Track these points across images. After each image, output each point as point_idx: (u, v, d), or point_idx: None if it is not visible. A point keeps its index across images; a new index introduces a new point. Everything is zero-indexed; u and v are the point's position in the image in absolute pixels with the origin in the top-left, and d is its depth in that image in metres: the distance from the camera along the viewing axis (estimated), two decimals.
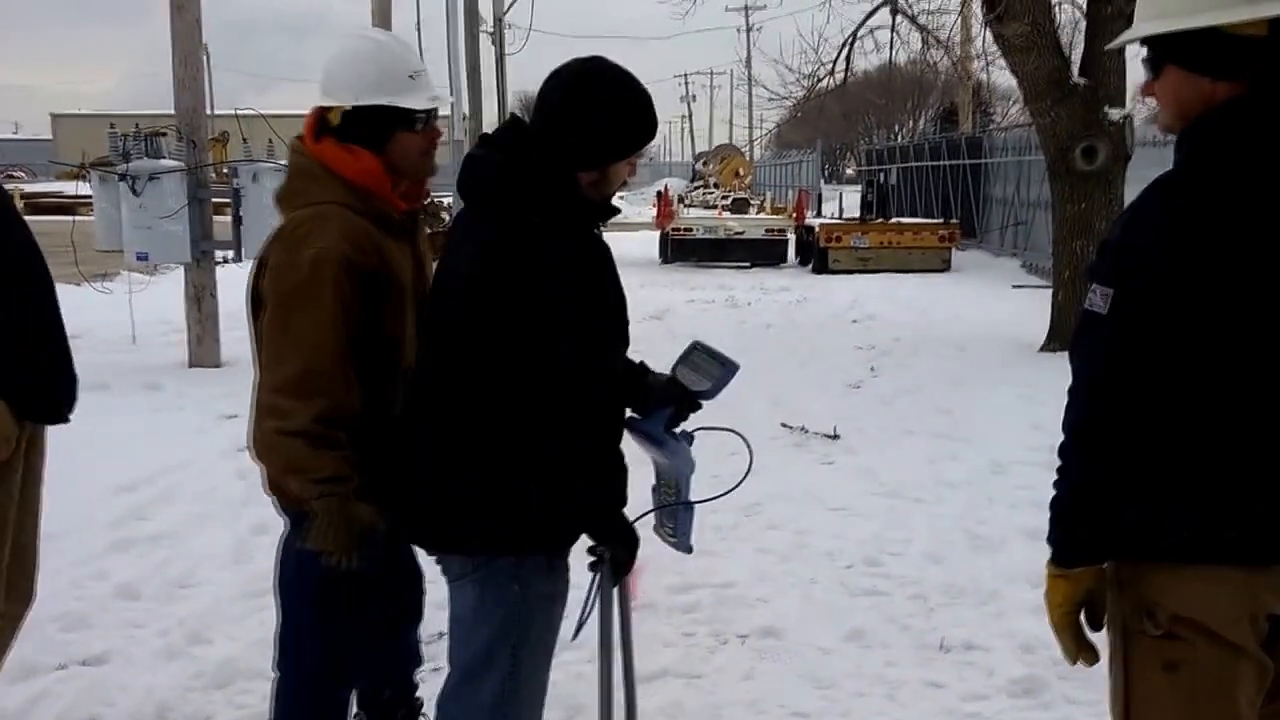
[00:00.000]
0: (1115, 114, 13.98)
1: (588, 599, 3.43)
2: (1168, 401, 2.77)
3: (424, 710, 4.56)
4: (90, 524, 7.17)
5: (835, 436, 9.97)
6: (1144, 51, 2.91)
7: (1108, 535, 2.90)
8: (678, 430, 3.66)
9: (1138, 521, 2.87)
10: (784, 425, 10.32)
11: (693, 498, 3.66)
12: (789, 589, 6.42)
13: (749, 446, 3.71)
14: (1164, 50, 2.85)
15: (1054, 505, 2.95)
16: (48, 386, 4.12)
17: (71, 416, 4.20)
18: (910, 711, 5.02)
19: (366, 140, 3.83)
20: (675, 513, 3.67)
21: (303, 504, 3.74)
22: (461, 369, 3.23)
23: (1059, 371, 10.95)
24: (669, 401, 3.63)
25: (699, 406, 3.68)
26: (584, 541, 3.38)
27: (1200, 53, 2.78)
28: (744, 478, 3.77)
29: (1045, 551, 6.77)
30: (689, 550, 3.79)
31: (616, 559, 3.39)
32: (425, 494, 3.35)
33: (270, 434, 3.66)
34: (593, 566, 3.41)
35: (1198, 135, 2.81)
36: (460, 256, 3.29)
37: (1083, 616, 3.01)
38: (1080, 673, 5.13)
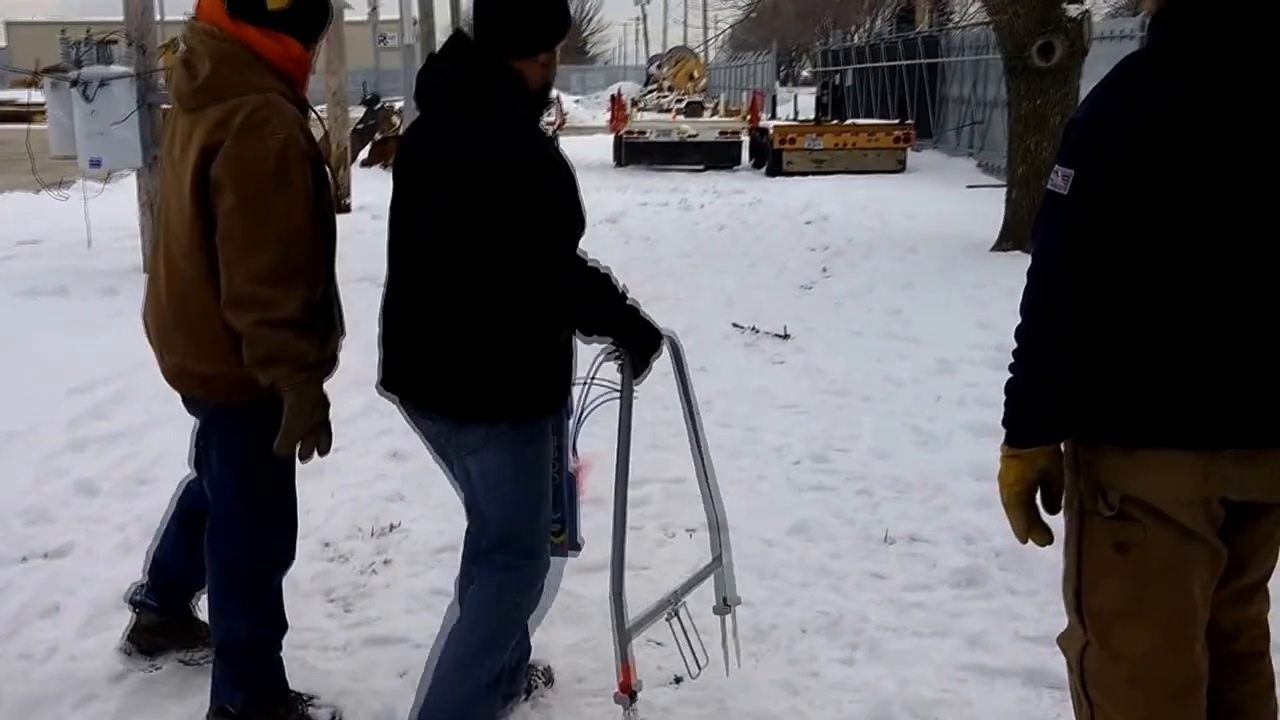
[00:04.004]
0: (1073, 9, 13.96)
1: (584, 394, 3.98)
2: (1124, 283, 2.80)
3: None
4: (50, 423, 7.24)
5: (786, 336, 10.07)
6: None
7: (1061, 417, 2.94)
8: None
9: (1093, 403, 2.90)
10: (735, 325, 10.40)
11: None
12: (737, 484, 6.50)
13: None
14: None
15: (1008, 387, 2.99)
16: None
17: None
18: (853, 601, 5.13)
19: (301, 31, 3.82)
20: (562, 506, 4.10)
21: (235, 396, 3.85)
22: (471, 251, 3.52)
23: (1009, 271, 11.08)
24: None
25: None
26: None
27: None
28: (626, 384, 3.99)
29: (990, 447, 6.89)
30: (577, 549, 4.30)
31: (634, 360, 3.81)
32: (443, 369, 3.64)
33: (253, 326, 3.65)
34: (615, 358, 3.85)
35: (1170, 15, 2.82)
36: (453, 151, 3.52)
37: (1040, 499, 3.05)
38: (1021, 563, 5.32)
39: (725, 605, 4.39)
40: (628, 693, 3.84)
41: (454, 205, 3.50)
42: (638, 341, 3.81)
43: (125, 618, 4.71)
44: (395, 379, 3.78)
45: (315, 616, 4.99)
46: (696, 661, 4.10)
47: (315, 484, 6.37)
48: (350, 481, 6.53)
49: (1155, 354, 2.83)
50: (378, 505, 5.93)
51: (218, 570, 4.09)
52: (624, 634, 3.86)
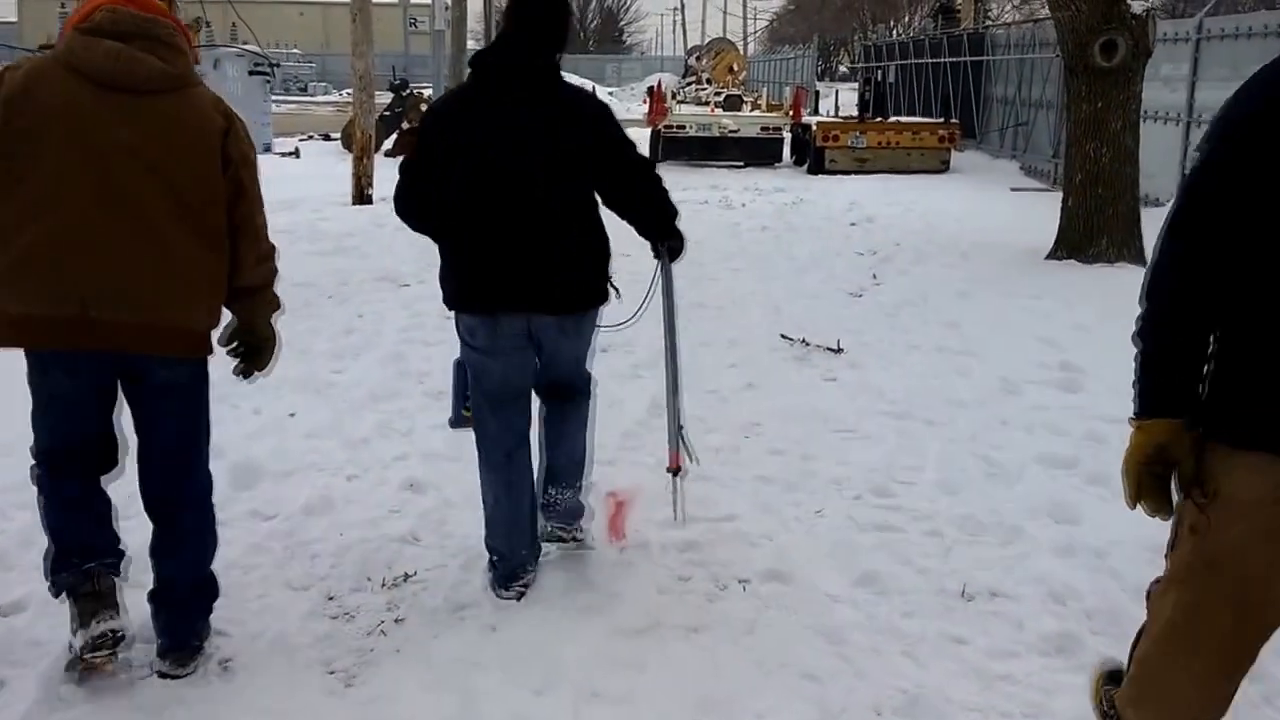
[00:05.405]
0: (1137, 6, 13.17)
1: (650, 287, 5.48)
2: (1242, 267, 2.80)
3: None
4: (18, 448, 6.45)
5: (838, 350, 9.42)
6: None
7: (1168, 391, 2.99)
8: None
9: (1211, 401, 2.95)
10: (784, 337, 9.77)
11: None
12: (793, 523, 5.91)
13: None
14: None
15: (1135, 359, 3.05)
16: None
17: None
18: (932, 672, 4.50)
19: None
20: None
21: (209, 349, 4.28)
22: (581, 184, 4.88)
23: (1066, 283, 10.40)
24: None
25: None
26: None
27: None
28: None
29: (1065, 484, 6.28)
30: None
31: (673, 248, 5.30)
32: (567, 276, 4.87)
33: (273, 263, 4.38)
34: (656, 255, 5.33)
35: None
36: (559, 112, 4.84)
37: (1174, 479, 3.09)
38: (1116, 626, 4.66)
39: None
40: (675, 467, 5.62)
41: (577, 148, 4.81)
42: (678, 235, 5.25)
43: (84, 693, 4.10)
44: (519, 294, 4.78)
45: (312, 694, 4.28)
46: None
47: (322, 520, 5.73)
48: (361, 518, 5.81)
49: (1263, 356, 2.83)
50: (390, 549, 5.26)
51: (205, 509, 4.50)
52: (675, 431, 5.56)
